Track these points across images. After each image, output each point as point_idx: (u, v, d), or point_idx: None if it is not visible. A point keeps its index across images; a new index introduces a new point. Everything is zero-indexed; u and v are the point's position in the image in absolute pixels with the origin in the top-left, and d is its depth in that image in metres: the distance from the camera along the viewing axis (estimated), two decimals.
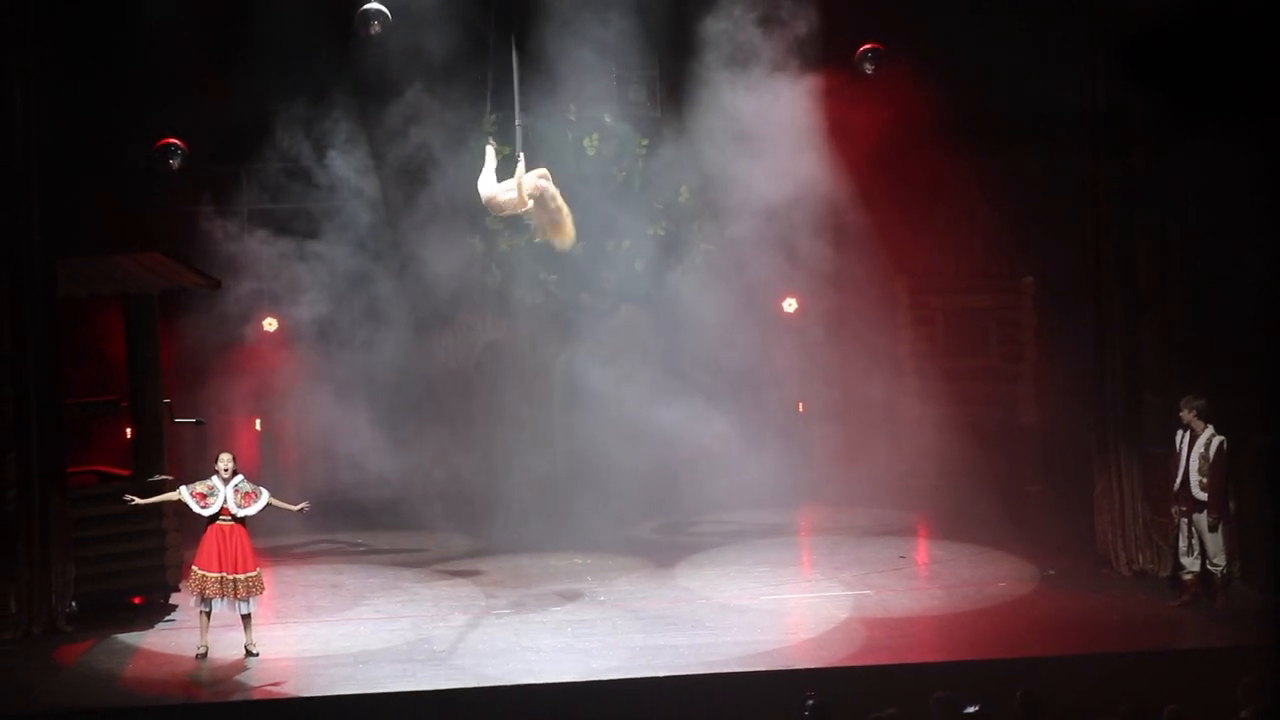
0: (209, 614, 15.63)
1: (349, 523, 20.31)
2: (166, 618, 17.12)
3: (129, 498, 16.15)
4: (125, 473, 18.03)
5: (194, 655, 15.65)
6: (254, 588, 15.68)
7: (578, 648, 15.83)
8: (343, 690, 14.75)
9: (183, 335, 19.89)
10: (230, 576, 15.54)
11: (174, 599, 17.46)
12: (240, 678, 15.23)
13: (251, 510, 15.69)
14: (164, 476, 17.58)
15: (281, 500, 15.99)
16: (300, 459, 21.15)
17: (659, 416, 20.52)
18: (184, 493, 15.72)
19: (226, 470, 15.72)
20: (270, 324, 20.89)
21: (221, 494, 15.64)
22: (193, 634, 16.04)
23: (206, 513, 15.60)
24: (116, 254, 18.28)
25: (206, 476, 15.83)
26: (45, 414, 16.50)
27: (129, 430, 18.31)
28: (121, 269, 17.86)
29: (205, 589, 15.54)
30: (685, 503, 20.81)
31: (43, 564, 16.49)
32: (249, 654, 15.60)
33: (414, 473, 20.65)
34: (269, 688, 14.98)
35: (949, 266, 21.90)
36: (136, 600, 17.52)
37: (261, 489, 15.84)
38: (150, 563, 17.41)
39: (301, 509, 16.04)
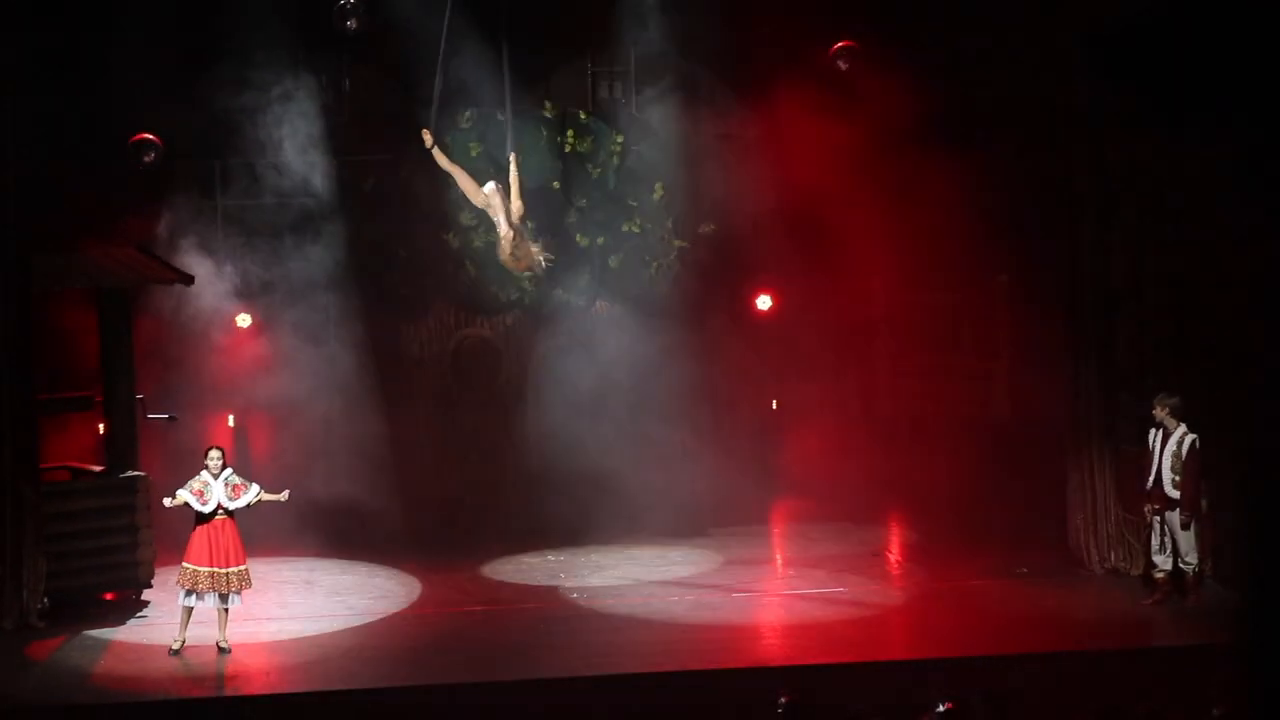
0: (192, 609, 15.59)
1: (322, 519, 20.26)
2: (139, 614, 17.08)
3: (167, 501, 15.92)
4: (98, 469, 18.00)
5: (169, 651, 15.59)
6: (244, 581, 15.66)
7: (551, 644, 15.83)
8: (315, 687, 14.74)
9: (155, 331, 19.82)
10: (222, 571, 15.52)
11: (146, 595, 17.43)
12: (211, 673, 15.20)
13: (241, 502, 15.66)
14: (136, 473, 17.57)
15: (269, 493, 15.93)
16: (273, 455, 21.08)
17: (633, 413, 20.53)
18: (185, 495, 15.64)
19: (216, 465, 15.69)
20: (243, 320, 20.82)
21: (214, 489, 15.61)
22: (164, 630, 16.02)
23: (206, 509, 15.57)
24: (90, 249, 18.25)
25: (193, 474, 15.76)
26: (18, 409, 16.45)
27: (101, 426, 18.26)
28: (95, 264, 17.82)
29: (197, 584, 15.51)
30: (659, 499, 20.78)
31: (15, 560, 16.44)
32: (220, 650, 15.57)
33: (388, 469, 20.60)
34: (240, 684, 14.95)
35: (923, 264, 21.89)
36: (109, 596, 17.48)
37: (251, 482, 15.81)
38: (122, 559, 17.37)
39: (285, 495, 15.99)
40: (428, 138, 17.33)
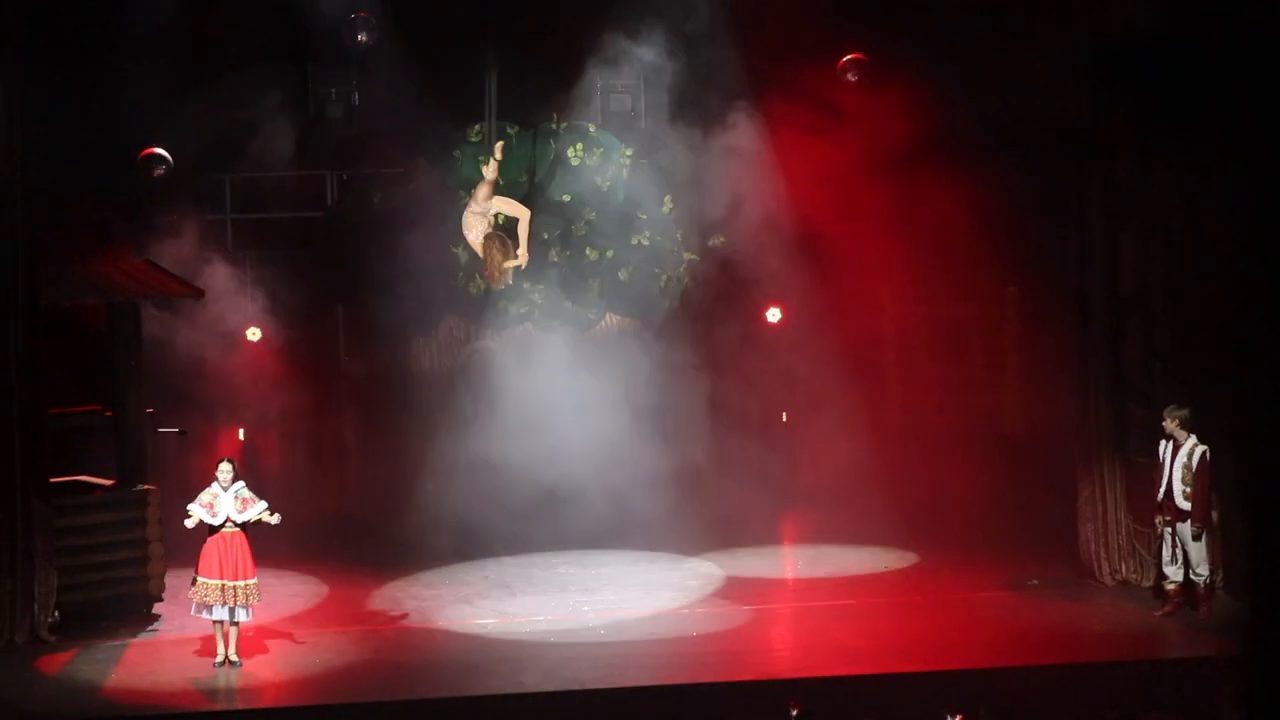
0: (220, 622, 15.60)
1: (332, 532, 20.27)
2: (149, 627, 17.08)
3: (187, 522, 15.87)
4: (108, 482, 18.01)
5: (214, 664, 15.59)
6: (252, 595, 15.66)
7: (561, 657, 15.82)
8: (324, 700, 14.75)
9: (166, 344, 19.84)
10: (231, 584, 15.53)
11: (157, 608, 17.43)
12: (222, 687, 15.22)
13: (248, 515, 15.65)
14: (147, 487, 17.59)
15: (268, 514, 15.86)
16: (283, 468, 21.11)
17: (642, 427, 20.53)
18: (198, 510, 15.63)
19: (227, 478, 15.69)
20: (254, 333, 20.85)
21: (223, 501, 15.62)
22: (175, 643, 16.15)
23: (215, 521, 15.58)
24: (100, 263, 18.27)
25: (204, 487, 15.77)
26: (28, 423, 16.46)
27: (112, 440, 18.27)
28: (105, 278, 17.84)
29: (208, 597, 15.53)
30: (670, 513, 20.78)
31: (25, 573, 16.44)
32: (231, 663, 15.57)
33: (398, 482, 20.62)
34: (251, 697, 14.98)
35: (932, 277, 21.90)
36: (119, 609, 17.47)
37: (259, 499, 15.79)
38: (133, 572, 17.39)
39: (277, 518, 15.93)
40: (499, 151, 18.32)
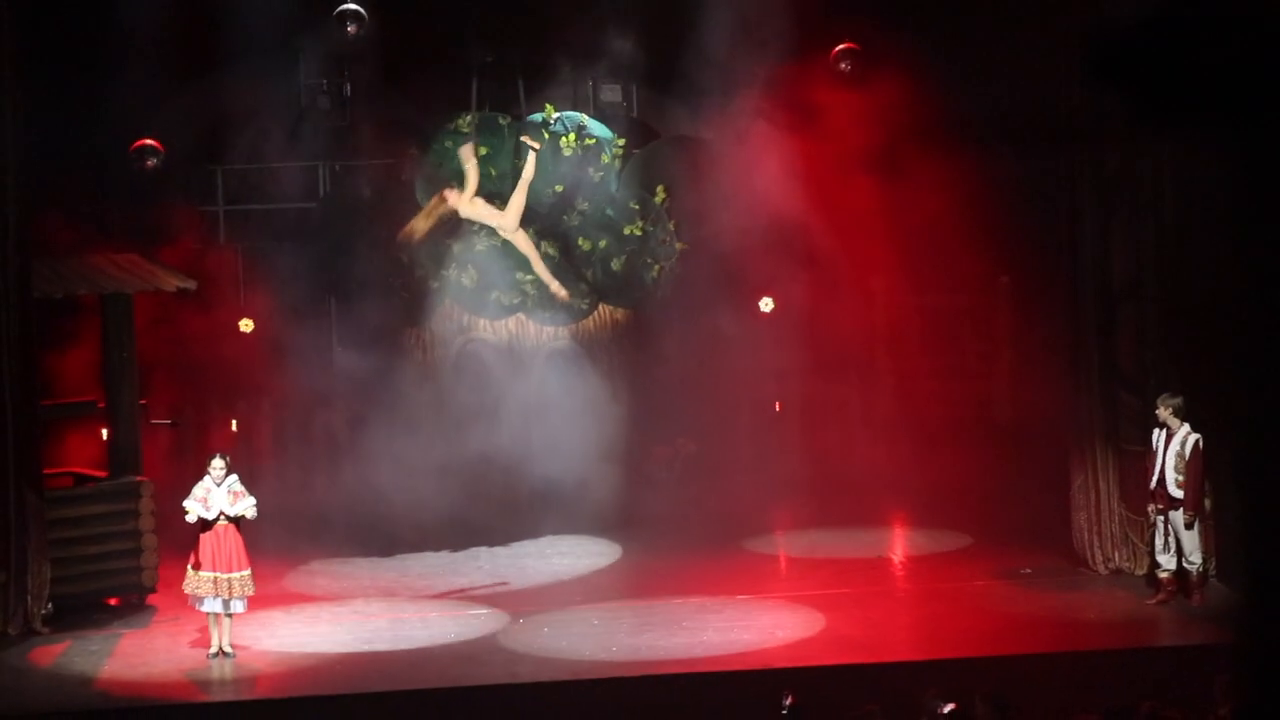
0: (214, 614, 15.61)
1: (324, 523, 20.25)
2: (142, 619, 17.08)
3: (189, 518, 15.83)
4: (101, 474, 18.01)
5: (208, 655, 15.61)
6: (245, 587, 15.67)
7: (556, 647, 15.83)
8: (321, 691, 14.77)
9: (159, 336, 19.82)
10: (224, 576, 15.55)
11: (150, 600, 17.44)
12: (215, 678, 15.24)
13: (239, 508, 15.64)
14: (140, 479, 17.59)
15: (251, 510, 15.82)
16: (275, 460, 21.08)
17: (634, 416, 20.53)
18: (194, 506, 15.62)
19: (219, 473, 15.68)
20: (246, 325, 20.83)
21: (216, 495, 15.62)
22: (168, 635, 16.16)
23: (209, 515, 15.59)
24: (92, 255, 18.27)
25: (197, 479, 15.77)
26: (21, 415, 16.46)
27: (104, 432, 18.28)
28: (97, 270, 17.85)
29: (201, 589, 15.54)
30: (663, 502, 20.79)
31: (19, 565, 16.45)
32: (225, 654, 15.58)
33: (389, 473, 20.60)
34: (244, 688, 15.00)
35: (924, 267, 21.90)
36: (112, 601, 17.49)
37: (249, 494, 15.76)
38: (126, 564, 17.39)
39: (253, 515, 15.90)
40: (534, 144, 18.44)
